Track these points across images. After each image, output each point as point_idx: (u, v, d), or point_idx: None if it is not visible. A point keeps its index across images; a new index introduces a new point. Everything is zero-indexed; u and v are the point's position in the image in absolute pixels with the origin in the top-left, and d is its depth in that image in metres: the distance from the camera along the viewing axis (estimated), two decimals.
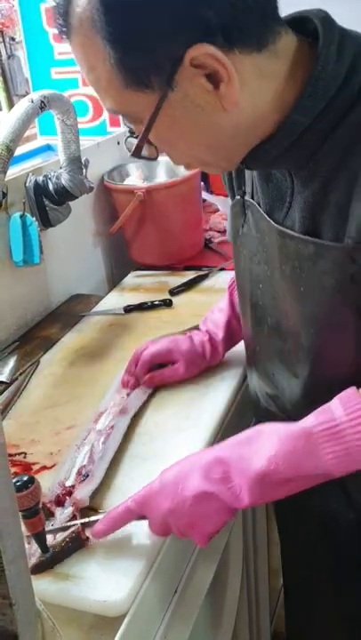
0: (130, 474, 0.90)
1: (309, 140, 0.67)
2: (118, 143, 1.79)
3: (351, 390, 0.65)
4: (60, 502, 0.82)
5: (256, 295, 0.84)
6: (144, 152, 0.70)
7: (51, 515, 0.80)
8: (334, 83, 0.64)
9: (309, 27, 0.67)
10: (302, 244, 0.70)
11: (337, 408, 0.64)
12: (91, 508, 0.83)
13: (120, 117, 0.79)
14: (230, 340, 1.10)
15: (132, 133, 0.71)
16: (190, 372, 1.07)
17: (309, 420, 0.65)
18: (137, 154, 0.69)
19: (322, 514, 0.88)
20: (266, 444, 0.66)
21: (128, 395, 1.05)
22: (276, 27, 0.65)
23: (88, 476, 0.86)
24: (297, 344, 0.78)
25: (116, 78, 0.64)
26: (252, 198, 0.80)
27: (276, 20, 0.66)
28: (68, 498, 0.82)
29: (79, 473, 0.87)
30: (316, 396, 0.70)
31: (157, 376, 1.07)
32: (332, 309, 0.71)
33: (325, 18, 0.66)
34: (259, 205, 0.78)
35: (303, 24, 0.68)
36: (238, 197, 0.84)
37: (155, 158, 0.72)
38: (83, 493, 0.82)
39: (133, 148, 0.68)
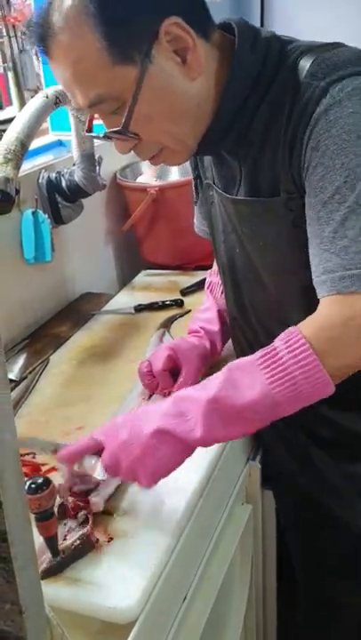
0: None
1: (241, 120, 0.82)
2: None
3: (293, 328, 0.75)
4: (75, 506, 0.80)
5: (233, 259, 0.95)
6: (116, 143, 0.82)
7: (68, 514, 0.78)
8: (252, 71, 0.80)
9: (232, 31, 0.82)
10: (251, 205, 0.85)
11: (278, 341, 0.75)
12: (105, 512, 0.82)
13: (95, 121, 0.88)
14: (224, 333, 1.12)
15: (108, 138, 0.82)
16: (199, 370, 1.06)
17: (254, 354, 0.75)
18: (126, 128, 0.77)
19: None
20: (218, 375, 0.75)
21: (149, 398, 1.03)
22: (212, 24, 0.82)
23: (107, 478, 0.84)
24: (270, 291, 0.90)
25: (105, 57, 0.74)
26: (213, 182, 0.94)
27: (211, 19, 0.82)
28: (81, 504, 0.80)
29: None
30: None
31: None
32: (285, 253, 0.84)
33: (242, 23, 0.82)
34: (216, 185, 0.93)
35: (228, 28, 0.83)
36: (204, 184, 0.98)
37: (126, 151, 0.83)
38: (99, 497, 0.80)
39: (121, 124, 0.77)
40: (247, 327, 1.00)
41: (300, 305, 0.84)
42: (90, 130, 0.89)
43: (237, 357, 1.03)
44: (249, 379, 0.73)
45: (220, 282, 1.13)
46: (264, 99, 0.80)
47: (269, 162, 0.81)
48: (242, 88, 0.80)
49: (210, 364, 1.09)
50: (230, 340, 1.13)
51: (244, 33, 0.81)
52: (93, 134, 0.87)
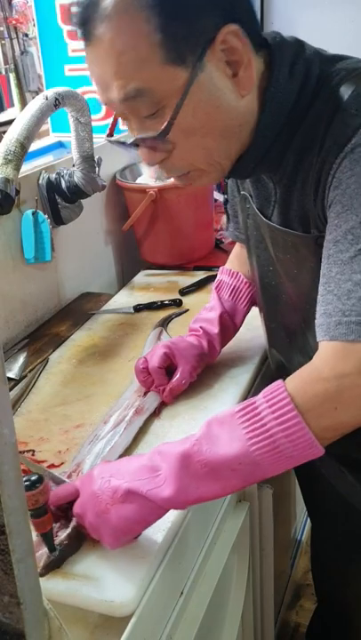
0: None
1: (275, 149, 0.77)
2: None
3: (279, 381, 0.69)
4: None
5: (267, 276, 0.92)
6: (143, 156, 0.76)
7: (61, 515, 0.79)
8: (288, 100, 0.75)
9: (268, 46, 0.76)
10: (286, 236, 0.81)
11: (261, 394, 0.69)
12: None
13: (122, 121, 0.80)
14: (224, 335, 1.11)
15: (135, 145, 0.76)
16: (195, 369, 1.06)
17: (235, 407, 0.70)
18: (165, 134, 0.71)
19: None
20: (200, 428, 0.71)
21: (145, 395, 1.05)
22: (262, 38, 0.76)
23: None
24: (305, 316, 0.85)
25: (156, 52, 0.68)
26: (250, 196, 0.90)
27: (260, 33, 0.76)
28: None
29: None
30: None
31: (174, 389, 1.04)
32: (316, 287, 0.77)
33: (278, 41, 0.76)
34: (253, 202, 0.89)
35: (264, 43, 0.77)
36: (241, 195, 0.93)
37: (155, 162, 0.77)
38: None
39: (161, 130, 0.71)
40: (282, 341, 0.96)
41: None
42: (111, 134, 0.85)
43: (273, 365, 1.04)
44: (228, 434, 0.67)
45: (229, 282, 1.13)
46: (298, 129, 0.76)
47: (299, 195, 0.77)
48: (278, 117, 0.75)
49: (207, 364, 1.10)
50: (230, 342, 1.14)
51: (283, 54, 0.75)
52: (115, 139, 0.81)
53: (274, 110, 0.75)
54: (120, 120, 0.79)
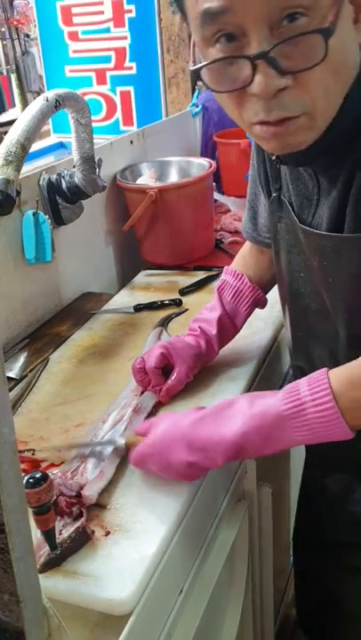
0: (137, 472, 0.90)
1: (347, 138, 0.72)
2: (131, 142, 1.80)
3: (323, 375, 0.73)
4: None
5: (297, 283, 0.91)
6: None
7: (62, 512, 0.80)
8: None
9: None
10: (325, 240, 0.78)
11: (304, 386, 0.74)
12: (98, 505, 0.83)
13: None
14: (222, 336, 1.10)
15: (254, 66, 0.65)
16: (191, 369, 1.06)
17: (279, 397, 0.75)
18: (334, 25, 0.62)
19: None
20: (238, 418, 0.76)
21: (142, 394, 1.05)
22: None
23: (101, 471, 0.86)
24: (337, 326, 0.86)
25: None
26: (287, 199, 0.87)
27: None
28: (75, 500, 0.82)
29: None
30: None
31: (170, 389, 1.05)
32: (359, 294, 0.79)
33: None
34: (290, 204, 0.86)
35: None
36: (275, 194, 0.90)
37: (272, 92, 0.65)
38: (92, 490, 0.82)
39: (330, 18, 0.62)
40: (307, 350, 0.97)
41: None
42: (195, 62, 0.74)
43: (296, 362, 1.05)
44: (276, 431, 0.74)
45: (233, 284, 1.11)
46: None
47: (357, 194, 0.73)
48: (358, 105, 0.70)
49: (204, 364, 1.10)
50: (230, 342, 1.14)
51: None
52: (244, 55, 0.65)
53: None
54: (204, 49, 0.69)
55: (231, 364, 1.15)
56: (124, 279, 1.73)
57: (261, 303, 1.14)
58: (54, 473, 0.86)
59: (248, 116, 0.70)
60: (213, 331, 1.09)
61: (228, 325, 1.11)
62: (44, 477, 0.69)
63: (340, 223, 0.76)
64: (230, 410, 0.78)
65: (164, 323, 1.36)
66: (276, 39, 0.63)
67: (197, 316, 1.14)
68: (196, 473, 0.81)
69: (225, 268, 1.16)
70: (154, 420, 0.88)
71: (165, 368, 1.05)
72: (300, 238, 0.85)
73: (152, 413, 1.03)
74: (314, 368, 0.89)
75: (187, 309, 1.42)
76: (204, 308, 1.14)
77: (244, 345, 1.19)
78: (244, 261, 1.15)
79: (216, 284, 1.16)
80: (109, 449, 0.92)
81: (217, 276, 1.56)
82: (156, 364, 1.03)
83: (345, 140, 0.73)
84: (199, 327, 1.10)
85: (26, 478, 0.69)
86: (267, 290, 1.14)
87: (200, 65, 0.69)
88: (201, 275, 1.59)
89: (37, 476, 0.69)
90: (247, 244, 1.16)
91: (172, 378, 1.04)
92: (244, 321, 1.13)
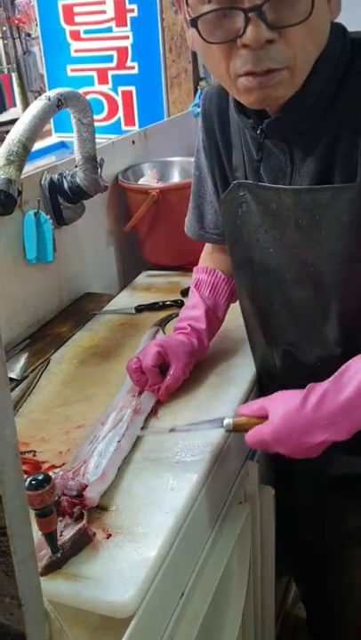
0: (140, 475, 0.90)
1: (324, 101, 0.82)
2: (133, 142, 1.79)
3: None
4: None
5: (267, 259, 0.94)
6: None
7: (64, 512, 0.79)
8: (334, 53, 0.80)
9: None
10: (319, 193, 0.84)
11: None
12: (99, 507, 0.83)
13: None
14: (210, 330, 1.13)
15: (247, 17, 0.73)
16: (187, 366, 1.07)
17: None
18: (310, 12, 0.72)
19: None
20: (354, 380, 0.79)
21: (139, 395, 1.05)
22: None
23: (103, 473, 0.86)
24: (322, 284, 0.89)
25: None
26: (251, 179, 0.93)
27: None
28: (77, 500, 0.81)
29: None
30: (346, 337, 0.90)
31: (169, 387, 1.05)
32: (351, 243, 0.84)
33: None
34: (261, 182, 0.92)
35: None
36: (232, 184, 0.96)
37: (261, 42, 0.73)
38: (93, 492, 0.82)
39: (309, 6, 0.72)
40: (285, 323, 0.99)
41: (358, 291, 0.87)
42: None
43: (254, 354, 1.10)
44: None
45: (208, 280, 1.15)
46: (343, 86, 0.81)
47: (345, 150, 0.82)
48: (329, 65, 0.80)
49: (197, 360, 1.11)
50: (230, 343, 1.15)
51: (338, 26, 0.83)
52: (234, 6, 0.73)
53: (328, 56, 0.80)
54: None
55: (232, 364, 1.15)
56: (126, 280, 1.73)
57: (236, 293, 1.17)
58: (56, 472, 0.86)
59: (236, 67, 0.77)
60: (203, 326, 1.11)
61: (214, 319, 1.14)
62: (47, 479, 0.69)
63: (324, 181, 0.85)
64: (346, 376, 0.80)
65: (162, 323, 1.35)
66: None
67: (182, 316, 1.16)
68: (324, 447, 0.82)
69: (195, 268, 1.21)
70: (263, 401, 0.87)
71: (161, 367, 1.05)
72: (275, 209, 0.89)
73: (152, 413, 1.02)
74: (302, 345, 0.96)
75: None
76: (186, 308, 1.17)
77: (245, 345, 1.19)
78: (211, 258, 1.20)
79: (191, 283, 1.20)
80: (112, 447, 0.91)
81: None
82: (153, 362, 1.04)
83: (319, 109, 0.82)
84: (188, 325, 1.12)
85: (28, 480, 0.68)
86: None
87: (198, 14, 0.76)
88: None
89: (40, 477, 0.68)
90: (207, 245, 1.22)
91: (170, 375, 1.04)
92: (225, 313, 1.17)
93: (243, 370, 1.13)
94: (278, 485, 1.14)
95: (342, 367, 0.82)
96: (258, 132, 0.86)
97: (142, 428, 0.98)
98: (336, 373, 0.82)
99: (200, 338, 1.11)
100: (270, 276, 0.95)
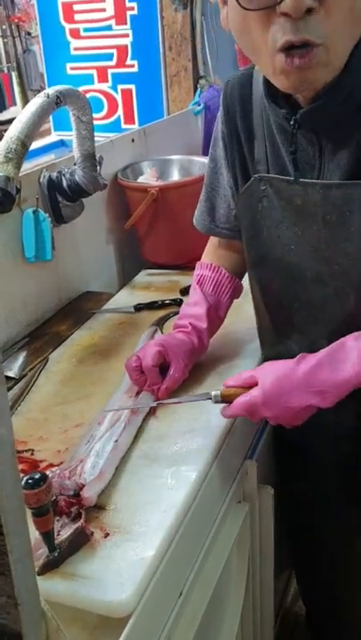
0: (137, 474, 0.89)
1: (355, 99, 0.80)
2: (133, 141, 1.79)
3: None
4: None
5: (288, 256, 0.93)
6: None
7: (61, 512, 0.79)
8: None
9: None
10: (351, 189, 0.83)
11: None
12: (97, 506, 0.82)
13: None
14: (211, 329, 1.12)
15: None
16: (187, 366, 1.06)
17: None
18: None
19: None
20: (354, 357, 0.82)
21: (137, 395, 1.04)
22: None
23: (100, 472, 0.85)
24: (346, 282, 0.89)
25: None
26: (277, 173, 0.91)
27: None
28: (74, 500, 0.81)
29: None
30: None
31: (170, 387, 1.04)
32: None
33: None
34: (286, 175, 0.89)
35: None
36: (253, 178, 0.93)
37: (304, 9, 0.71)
38: (91, 492, 0.81)
39: None
40: (304, 321, 0.98)
41: None
42: None
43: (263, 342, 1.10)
44: None
45: (211, 277, 1.13)
46: None
47: None
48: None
49: (197, 359, 1.10)
50: (232, 342, 1.14)
51: None
52: None
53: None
54: None
55: (233, 363, 1.15)
56: (125, 278, 1.72)
57: (238, 292, 1.16)
58: (53, 471, 0.85)
59: (275, 36, 0.73)
60: (204, 325, 1.10)
61: (215, 317, 1.12)
62: (43, 478, 0.69)
63: (356, 176, 0.83)
64: (343, 352, 0.83)
65: (160, 322, 1.35)
66: None
67: (183, 313, 1.13)
68: (308, 414, 0.85)
69: (198, 263, 1.18)
70: (253, 371, 0.90)
71: (161, 366, 1.04)
72: (300, 204, 0.88)
73: (150, 413, 1.02)
74: (318, 342, 0.93)
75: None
76: (187, 305, 1.14)
77: (247, 344, 1.19)
78: (216, 254, 1.17)
79: (193, 278, 1.17)
80: (109, 447, 0.91)
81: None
82: (153, 362, 1.02)
83: (353, 102, 0.80)
84: (190, 323, 1.10)
85: (25, 479, 0.68)
86: (241, 278, 1.16)
87: None
88: None
89: (36, 476, 0.68)
90: (213, 239, 1.18)
91: (171, 375, 1.03)
92: (227, 311, 1.15)
93: (244, 369, 1.13)
94: (282, 482, 1.14)
95: (338, 341, 0.84)
96: (291, 122, 0.84)
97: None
98: (332, 346, 0.85)
99: (200, 337, 1.09)
100: (289, 272, 0.94)
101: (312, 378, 0.83)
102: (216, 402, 0.91)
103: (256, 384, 0.87)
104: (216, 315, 1.13)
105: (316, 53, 0.73)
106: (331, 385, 0.82)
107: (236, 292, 1.15)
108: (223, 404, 0.91)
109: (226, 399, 0.89)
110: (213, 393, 0.90)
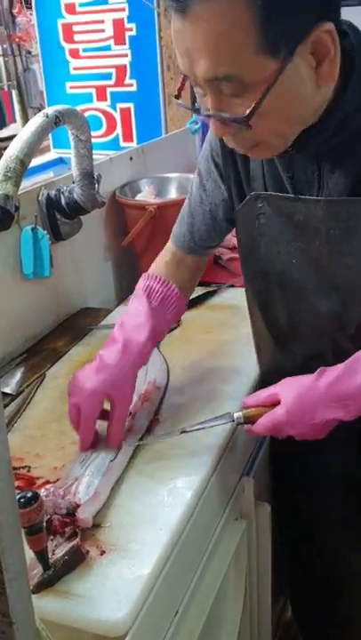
0: (134, 491, 0.89)
1: (350, 123, 0.81)
2: (131, 159, 1.80)
3: None
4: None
5: (290, 271, 0.94)
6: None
7: (55, 531, 0.79)
8: None
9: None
10: (354, 205, 0.84)
11: None
12: (93, 524, 0.82)
13: (193, 91, 0.86)
14: (154, 337, 1.03)
15: (176, 97, 0.86)
16: (130, 401, 0.98)
17: None
18: (249, 118, 0.74)
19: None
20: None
21: (133, 417, 1.04)
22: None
23: (95, 493, 0.85)
24: (350, 294, 0.90)
25: (253, 42, 0.70)
26: (275, 190, 0.92)
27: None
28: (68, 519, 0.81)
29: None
30: None
31: (117, 435, 0.96)
32: None
33: (351, 25, 0.80)
34: (285, 192, 0.90)
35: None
36: (249, 196, 0.94)
37: (223, 135, 0.81)
38: (86, 514, 0.81)
39: (246, 113, 0.73)
40: (308, 336, 0.99)
41: None
42: (179, 96, 0.87)
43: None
44: None
45: (161, 290, 1.06)
46: None
47: None
48: (356, 95, 0.80)
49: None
50: (229, 357, 1.14)
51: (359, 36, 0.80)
52: (184, 105, 0.85)
53: (353, 94, 0.79)
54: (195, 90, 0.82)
55: (229, 379, 1.15)
56: (123, 295, 1.73)
57: (181, 312, 1.12)
58: (47, 489, 0.85)
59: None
60: (142, 339, 1.00)
61: (157, 331, 1.04)
62: (35, 497, 0.68)
63: (357, 193, 0.84)
64: (360, 363, 0.83)
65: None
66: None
67: (125, 323, 1.03)
68: (331, 427, 0.85)
69: (145, 274, 1.11)
70: (272, 388, 0.89)
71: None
72: (301, 220, 0.89)
73: (148, 431, 1.02)
74: (323, 357, 0.94)
75: (179, 324, 1.41)
76: (130, 312, 1.05)
77: (243, 360, 1.19)
78: (166, 269, 1.11)
79: (139, 288, 1.09)
80: (104, 467, 0.91)
81: (215, 292, 1.56)
82: (92, 411, 0.95)
83: (348, 130, 0.82)
84: (130, 337, 1.00)
85: (17, 498, 0.68)
86: (186, 299, 1.13)
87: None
88: (200, 291, 1.58)
89: (28, 495, 0.68)
90: (169, 252, 1.14)
91: (112, 425, 0.95)
92: (168, 328, 1.10)
93: (240, 384, 1.13)
94: (279, 499, 1.14)
95: (355, 354, 0.85)
96: (290, 148, 0.84)
97: (144, 439, 0.97)
98: (350, 359, 0.85)
99: (141, 353, 1.00)
100: (291, 287, 0.95)
101: (334, 391, 0.83)
102: (238, 424, 0.91)
103: (277, 401, 0.87)
104: (159, 328, 1.04)
105: (256, 147, 0.81)
106: (351, 397, 0.83)
107: (180, 311, 1.10)
108: (245, 424, 0.91)
109: (248, 420, 0.90)
110: (236, 415, 0.90)
